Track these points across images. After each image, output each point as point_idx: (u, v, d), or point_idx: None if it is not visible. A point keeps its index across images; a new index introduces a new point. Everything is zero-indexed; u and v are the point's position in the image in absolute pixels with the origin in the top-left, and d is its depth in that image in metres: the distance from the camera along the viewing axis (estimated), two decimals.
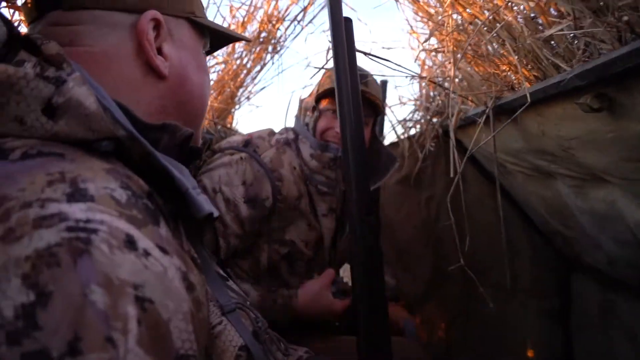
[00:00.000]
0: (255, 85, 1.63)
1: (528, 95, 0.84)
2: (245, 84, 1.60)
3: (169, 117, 0.53)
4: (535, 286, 1.68)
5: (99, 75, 0.48)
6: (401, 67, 0.99)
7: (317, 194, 1.21)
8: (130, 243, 0.33)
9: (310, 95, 1.30)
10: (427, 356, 1.19)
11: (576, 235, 1.30)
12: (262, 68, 1.64)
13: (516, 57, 0.88)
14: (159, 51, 0.52)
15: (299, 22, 1.50)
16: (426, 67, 1.56)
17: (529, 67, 0.91)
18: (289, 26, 1.51)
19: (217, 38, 0.63)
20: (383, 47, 1.69)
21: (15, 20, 0.55)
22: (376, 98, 1.17)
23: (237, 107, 1.66)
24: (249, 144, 1.18)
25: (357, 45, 0.78)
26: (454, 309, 1.81)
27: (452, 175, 1.32)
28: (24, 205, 0.32)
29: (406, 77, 1.11)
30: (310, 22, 1.53)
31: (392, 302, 1.34)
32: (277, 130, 1.32)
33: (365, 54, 0.99)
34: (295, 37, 1.52)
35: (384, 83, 1.53)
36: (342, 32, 0.74)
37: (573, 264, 1.58)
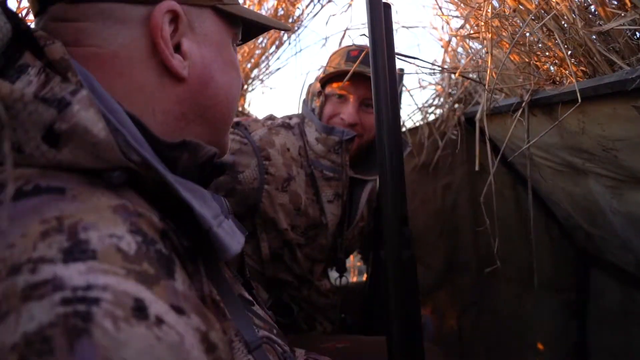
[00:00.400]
0: (270, 66, 1.55)
1: (578, 92, 0.77)
2: (260, 64, 1.52)
3: (191, 125, 0.47)
4: (552, 279, 1.64)
5: (109, 81, 0.41)
6: (430, 63, 0.91)
7: (322, 179, 1.17)
8: (139, 311, 0.28)
9: (316, 79, 1.24)
10: None
11: (603, 234, 1.25)
12: (278, 48, 1.55)
13: (565, 50, 0.81)
14: (177, 48, 0.44)
15: (319, 1, 1.41)
16: (453, 52, 1.47)
17: (577, 61, 0.83)
18: (308, 4, 1.41)
19: (250, 27, 0.54)
20: (403, 26, 1.60)
21: (23, 9, 0.48)
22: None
23: (250, 88, 1.59)
24: (239, 124, 1.14)
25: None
26: (467, 299, 1.78)
27: (476, 168, 1.26)
28: (12, 270, 0.26)
29: (433, 72, 1.03)
30: (330, 0, 1.44)
31: None
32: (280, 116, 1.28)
33: (400, 55, 0.92)
34: (314, 15, 1.43)
35: (401, 71, 1.46)
36: (381, 19, 0.67)
37: (593, 259, 1.54)
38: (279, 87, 1.89)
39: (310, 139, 1.16)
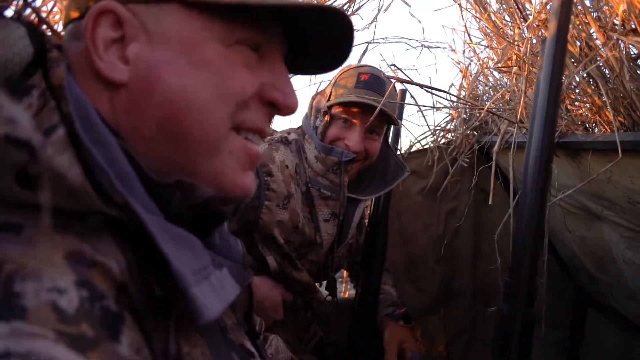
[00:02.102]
0: None
1: (619, 144, 0.74)
2: None
3: (155, 144, 0.40)
4: (547, 315, 1.63)
5: (99, 104, 0.39)
6: (457, 97, 0.88)
7: (319, 197, 1.16)
8: None
9: (321, 93, 1.20)
10: None
11: (610, 280, 1.24)
12: None
13: (606, 98, 0.78)
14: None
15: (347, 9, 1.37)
16: (471, 77, 1.45)
17: (616, 112, 0.81)
18: None
19: (261, 12, 0.43)
20: (424, 45, 1.57)
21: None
22: (391, 113, 1.11)
23: None
24: None
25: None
26: (459, 326, 1.76)
27: (490, 202, 1.24)
28: None
29: (458, 107, 1.00)
30: (354, 13, 1.39)
31: (401, 324, 1.28)
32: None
33: (419, 85, 0.88)
34: None
35: (403, 92, 1.42)
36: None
37: (592, 300, 1.53)
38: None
39: (310, 156, 1.14)
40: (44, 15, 0.47)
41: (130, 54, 0.39)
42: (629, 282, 1.12)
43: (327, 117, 1.12)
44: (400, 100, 1.35)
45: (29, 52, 0.36)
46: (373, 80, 1.10)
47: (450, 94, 0.97)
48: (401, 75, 0.98)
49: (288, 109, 0.46)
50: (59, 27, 0.45)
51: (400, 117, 1.42)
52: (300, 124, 1.27)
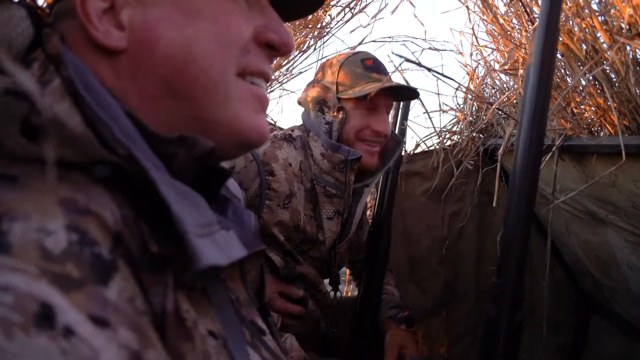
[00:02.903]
0: (292, 69, 1.52)
1: (623, 148, 0.75)
2: (282, 66, 1.48)
3: (165, 103, 0.41)
4: (551, 319, 1.63)
5: (101, 73, 0.40)
6: (465, 88, 0.88)
7: (324, 195, 1.16)
8: (43, 318, 0.24)
9: (316, 85, 1.17)
10: None
11: (614, 285, 1.23)
12: (303, 52, 1.52)
13: (611, 102, 0.78)
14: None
15: (350, 9, 1.38)
16: (478, 79, 1.45)
17: (621, 115, 0.81)
18: (339, 12, 1.38)
19: None
20: (431, 48, 1.58)
21: None
22: (414, 87, 1.13)
23: (268, 90, 1.55)
24: None
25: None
26: (461, 328, 1.76)
27: (494, 204, 1.24)
28: None
29: (465, 100, 1.00)
30: (361, 10, 1.40)
31: (403, 327, 1.28)
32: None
33: (438, 73, 0.89)
34: (346, 22, 1.39)
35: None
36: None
37: (596, 305, 1.53)
38: (298, 92, 1.85)
39: (316, 153, 1.14)
40: None
41: (124, 20, 0.40)
42: (632, 287, 1.12)
43: (341, 114, 1.12)
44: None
45: (30, 32, 0.37)
46: (377, 64, 1.12)
47: (459, 83, 0.97)
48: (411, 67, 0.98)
49: (285, 47, 0.47)
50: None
51: (406, 117, 1.43)
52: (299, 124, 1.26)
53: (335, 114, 1.13)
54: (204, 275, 0.36)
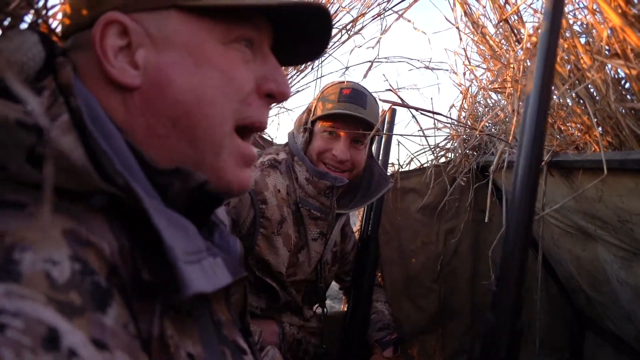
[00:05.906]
0: (291, 87, 1.56)
1: (605, 163, 0.77)
2: None
3: (169, 141, 0.44)
4: (546, 337, 1.62)
5: (108, 104, 0.42)
6: (453, 120, 0.91)
7: (309, 217, 1.20)
8: (51, 341, 0.26)
9: (305, 111, 1.25)
10: None
11: (605, 301, 1.24)
12: (300, 72, 1.56)
13: (594, 119, 0.81)
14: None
15: (347, 31, 1.42)
16: (472, 99, 1.48)
17: (604, 131, 0.84)
18: (336, 34, 1.43)
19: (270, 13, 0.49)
20: (427, 67, 1.62)
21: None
22: (373, 122, 1.16)
23: None
24: None
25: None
26: (456, 346, 1.75)
27: (486, 220, 1.26)
28: None
29: (455, 127, 1.04)
30: (358, 32, 1.45)
31: (389, 351, 1.29)
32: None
33: (416, 109, 0.92)
34: (342, 43, 1.44)
35: (393, 110, 1.46)
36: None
37: (591, 322, 1.53)
38: (296, 110, 1.89)
39: (301, 178, 1.18)
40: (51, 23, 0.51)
41: (139, 60, 0.43)
42: (623, 302, 1.13)
43: (306, 133, 1.18)
44: (389, 116, 1.41)
45: (42, 57, 0.40)
46: (355, 94, 1.16)
47: (445, 115, 1.00)
48: (400, 96, 1.02)
49: (282, 96, 0.51)
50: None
51: (391, 131, 1.46)
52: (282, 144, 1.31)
53: (302, 133, 1.19)
54: (190, 299, 0.39)
